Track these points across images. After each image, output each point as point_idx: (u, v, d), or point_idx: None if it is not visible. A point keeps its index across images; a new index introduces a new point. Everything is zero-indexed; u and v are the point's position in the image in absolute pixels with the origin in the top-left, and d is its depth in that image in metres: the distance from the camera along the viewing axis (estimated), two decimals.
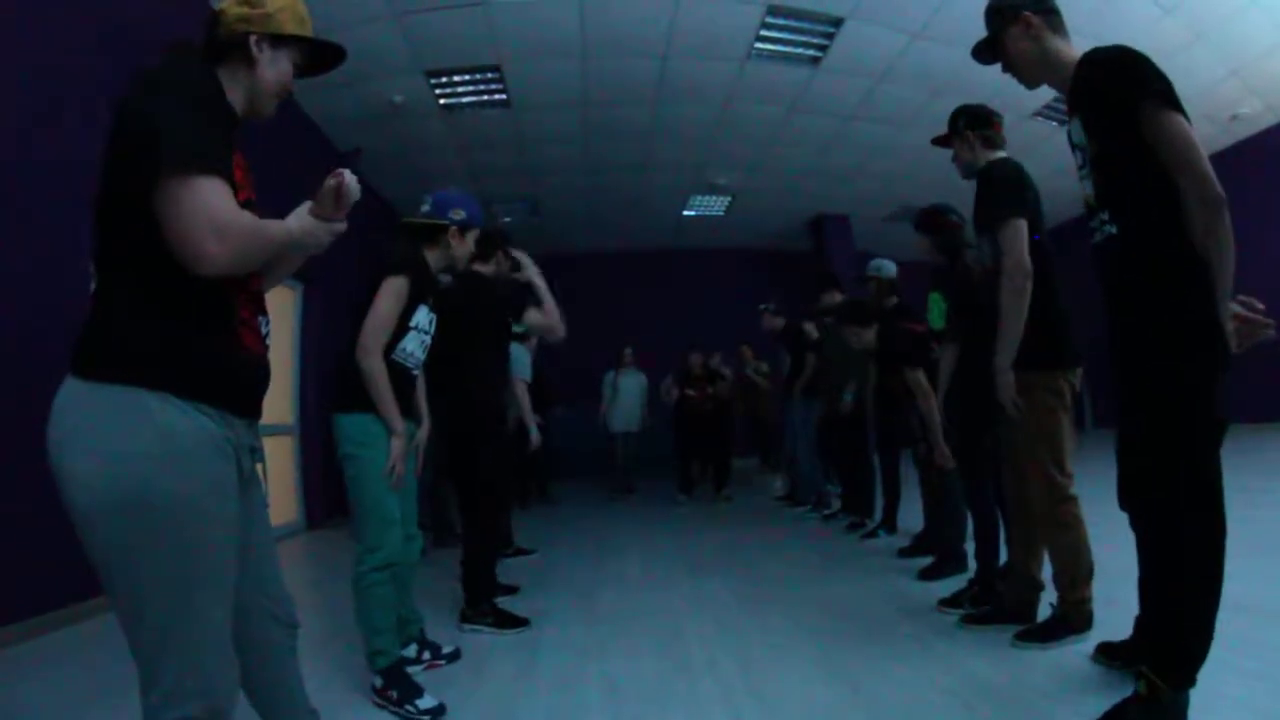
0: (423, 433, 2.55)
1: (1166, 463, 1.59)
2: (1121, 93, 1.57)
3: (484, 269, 3.09)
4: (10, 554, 2.98)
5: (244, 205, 1.20)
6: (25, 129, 3.30)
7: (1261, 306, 1.51)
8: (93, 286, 1.14)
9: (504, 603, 3.16)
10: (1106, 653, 2.08)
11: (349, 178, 1.24)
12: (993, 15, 1.95)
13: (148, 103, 1.09)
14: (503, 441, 3.17)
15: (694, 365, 7.33)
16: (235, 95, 1.30)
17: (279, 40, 1.34)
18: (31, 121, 3.35)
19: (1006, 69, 1.98)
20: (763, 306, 6.32)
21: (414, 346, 2.36)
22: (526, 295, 3.13)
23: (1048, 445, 2.28)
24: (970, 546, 3.10)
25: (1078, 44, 1.83)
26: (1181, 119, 1.51)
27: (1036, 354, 2.24)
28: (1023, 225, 2.22)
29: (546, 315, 3.09)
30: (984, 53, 2.01)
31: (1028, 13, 1.84)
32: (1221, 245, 1.47)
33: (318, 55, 1.44)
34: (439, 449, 4.14)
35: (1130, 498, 1.76)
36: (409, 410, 2.37)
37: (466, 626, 2.92)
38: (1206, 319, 1.50)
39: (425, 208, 2.57)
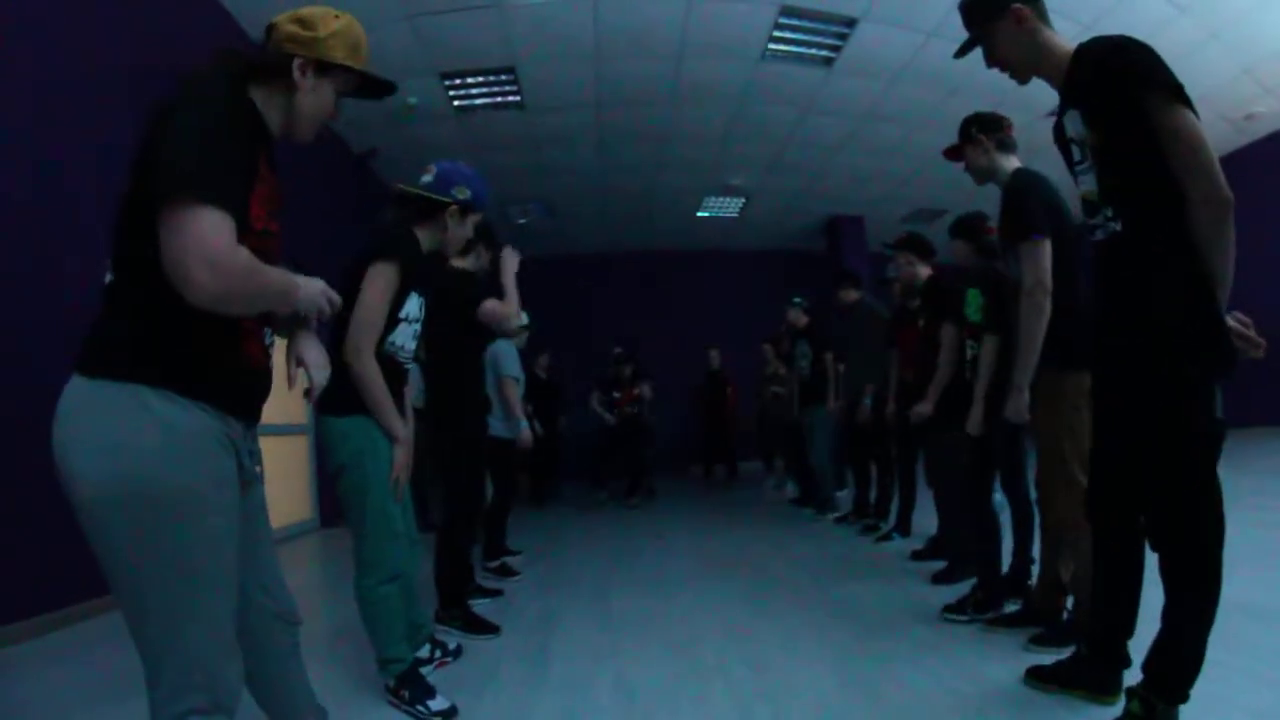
0: (409, 430, 2.28)
1: (1165, 473, 1.55)
2: (1127, 86, 1.49)
3: (461, 263, 2.93)
4: (13, 552, 3.00)
5: (261, 234, 1.17)
6: (38, 129, 3.33)
7: (1254, 331, 1.49)
8: (105, 283, 1.14)
9: (486, 607, 3.13)
10: (1037, 676, 2.00)
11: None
12: (974, 10, 1.81)
13: (167, 119, 1.07)
14: (476, 440, 3.08)
15: (624, 374, 7.42)
16: (272, 114, 1.26)
17: (325, 67, 1.29)
18: (45, 123, 3.37)
19: (994, 65, 1.83)
20: (797, 300, 6.18)
21: (405, 338, 2.15)
22: (485, 287, 2.95)
23: (1072, 448, 2.21)
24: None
25: None
26: (1191, 115, 1.44)
27: (1053, 354, 2.21)
28: (1046, 244, 2.17)
29: (504, 305, 2.76)
30: (968, 50, 1.87)
31: (1018, 5, 1.71)
32: (1225, 249, 1.43)
33: (365, 85, 1.40)
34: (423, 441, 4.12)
35: (1107, 509, 1.72)
36: (400, 408, 2.15)
37: (439, 626, 2.80)
38: (1211, 321, 1.46)
39: (427, 178, 2.30)
